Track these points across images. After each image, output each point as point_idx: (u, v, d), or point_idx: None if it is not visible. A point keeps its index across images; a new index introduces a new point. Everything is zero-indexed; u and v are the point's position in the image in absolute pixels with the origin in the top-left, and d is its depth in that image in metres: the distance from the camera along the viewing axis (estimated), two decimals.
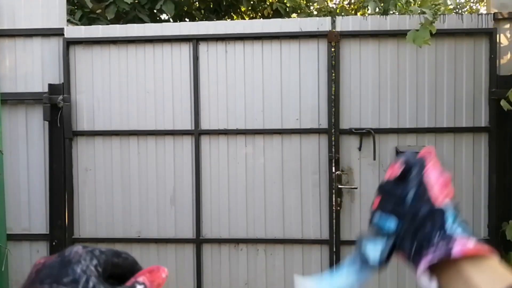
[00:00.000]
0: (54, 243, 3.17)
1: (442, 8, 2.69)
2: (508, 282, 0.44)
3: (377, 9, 3.60)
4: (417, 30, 2.64)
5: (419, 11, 2.77)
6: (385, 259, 0.55)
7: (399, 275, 3.07)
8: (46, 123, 3.16)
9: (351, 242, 3.08)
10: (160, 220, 3.17)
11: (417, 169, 0.55)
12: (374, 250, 0.55)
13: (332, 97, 3.08)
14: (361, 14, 7.46)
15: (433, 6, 2.70)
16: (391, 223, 0.55)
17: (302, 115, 3.10)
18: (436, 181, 0.53)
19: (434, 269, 0.49)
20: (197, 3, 5.88)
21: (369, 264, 0.55)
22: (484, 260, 0.47)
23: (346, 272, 0.57)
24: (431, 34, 2.64)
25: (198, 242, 3.14)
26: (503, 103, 2.75)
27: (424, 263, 0.48)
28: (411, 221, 0.52)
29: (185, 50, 3.15)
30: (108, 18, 4.63)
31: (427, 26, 2.61)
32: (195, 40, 3.12)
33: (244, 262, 3.15)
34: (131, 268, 0.43)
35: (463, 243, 0.47)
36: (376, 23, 3.05)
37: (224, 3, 5.90)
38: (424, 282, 0.49)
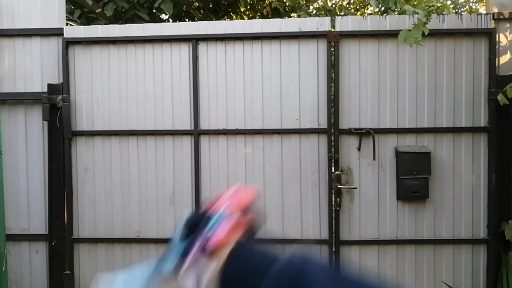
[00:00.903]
0: (53, 243, 3.17)
1: (439, 5, 2.68)
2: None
3: (379, 5, 3.59)
4: (410, 30, 2.64)
5: (412, 11, 2.77)
6: (173, 271, 0.70)
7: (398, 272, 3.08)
8: (46, 123, 3.16)
9: (350, 242, 3.09)
10: (160, 220, 3.17)
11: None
12: (169, 263, 0.71)
13: (332, 97, 3.08)
14: (361, 14, 7.46)
15: (427, 7, 2.70)
16: (182, 245, 0.72)
17: (302, 115, 3.10)
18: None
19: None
20: (196, 2, 5.87)
21: (161, 273, 0.70)
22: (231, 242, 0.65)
23: (139, 275, 0.71)
24: (427, 34, 2.64)
25: None
26: (500, 97, 2.75)
27: (184, 268, 0.66)
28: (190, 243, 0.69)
29: (185, 50, 3.14)
30: (107, 16, 4.62)
31: (419, 27, 2.61)
32: (194, 40, 3.11)
33: None
34: None
35: (215, 236, 0.65)
36: (376, 23, 3.05)
37: (223, 3, 5.89)
38: (186, 283, 0.65)
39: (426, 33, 2.63)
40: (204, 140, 3.15)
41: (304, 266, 0.54)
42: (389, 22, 3.05)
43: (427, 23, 2.64)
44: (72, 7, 5.07)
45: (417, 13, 2.69)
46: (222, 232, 0.64)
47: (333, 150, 3.07)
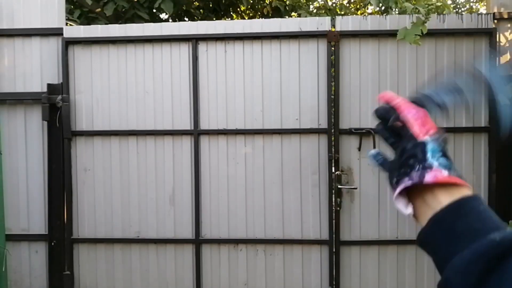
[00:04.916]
0: (53, 244, 3.17)
1: (439, 4, 2.68)
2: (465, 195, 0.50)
3: (380, 4, 3.58)
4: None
5: (412, 8, 2.76)
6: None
7: (399, 274, 3.07)
8: (45, 123, 3.15)
9: (350, 242, 3.08)
10: (160, 220, 3.17)
11: (393, 117, 0.60)
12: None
13: (332, 97, 3.08)
14: (361, 14, 7.45)
15: (427, 5, 2.69)
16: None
17: (302, 115, 3.09)
18: (415, 119, 0.58)
19: (411, 196, 0.55)
20: (196, 2, 5.86)
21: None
22: (456, 188, 0.52)
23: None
24: (428, 34, 2.63)
25: (198, 242, 3.14)
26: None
27: (399, 189, 0.54)
28: (399, 157, 0.57)
29: (185, 50, 3.14)
30: (107, 15, 4.62)
31: (418, 25, 2.61)
32: (194, 40, 3.11)
33: (244, 262, 3.15)
34: None
35: (437, 173, 0.52)
36: (376, 23, 3.05)
37: (224, 2, 5.89)
38: (400, 207, 0.55)
39: (425, 31, 2.62)
40: (204, 140, 3.15)
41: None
42: (389, 22, 3.04)
43: (426, 22, 2.64)
44: (72, 7, 5.06)
45: (418, 10, 2.68)
46: (445, 175, 0.52)
47: (333, 150, 3.06)
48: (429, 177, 0.52)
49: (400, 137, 0.59)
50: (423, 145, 0.55)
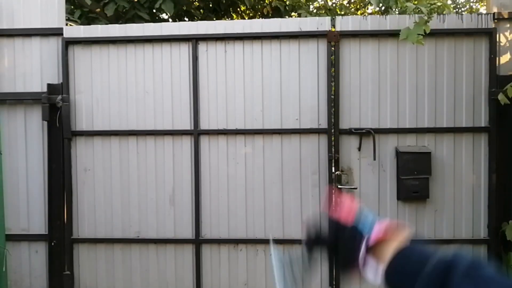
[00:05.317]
0: (53, 244, 3.17)
1: (439, 4, 2.67)
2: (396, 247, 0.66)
3: (380, 4, 3.58)
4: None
5: (414, 8, 2.76)
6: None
7: None
8: (45, 123, 3.15)
9: None
10: (160, 220, 3.17)
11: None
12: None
13: (332, 97, 3.08)
14: (361, 14, 7.45)
15: (429, 5, 2.69)
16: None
17: (302, 115, 3.09)
18: (340, 213, 0.77)
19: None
20: (196, 2, 5.86)
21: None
22: (391, 241, 0.68)
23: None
24: (428, 34, 2.63)
25: (198, 242, 3.14)
26: (500, 96, 2.74)
27: (360, 259, 0.69)
28: (343, 244, 0.73)
29: (185, 50, 3.14)
30: (107, 15, 4.62)
31: (421, 25, 2.60)
32: (194, 40, 3.11)
33: (244, 262, 3.14)
34: None
35: (374, 234, 0.69)
36: (376, 23, 3.04)
37: (224, 2, 5.89)
38: (371, 271, 0.69)
39: (428, 31, 2.62)
40: (204, 140, 3.15)
41: (454, 265, 0.55)
42: (389, 22, 3.04)
43: (428, 21, 2.63)
44: (72, 7, 5.06)
45: (420, 10, 2.68)
46: (380, 231, 0.69)
47: (333, 150, 3.06)
48: (371, 240, 0.69)
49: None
50: (354, 227, 0.73)
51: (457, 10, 8.99)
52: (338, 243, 0.74)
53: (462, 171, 3.04)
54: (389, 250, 0.65)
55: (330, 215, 0.78)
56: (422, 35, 2.60)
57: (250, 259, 3.14)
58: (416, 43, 2.61)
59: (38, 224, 3.20)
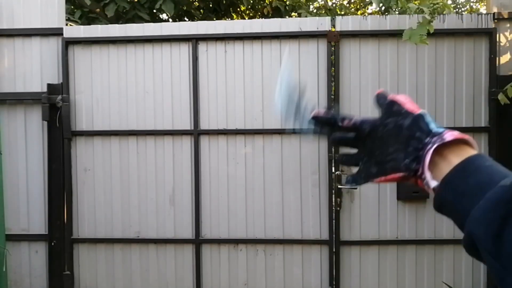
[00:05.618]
0: (53, 244, 3.17)
1: (441, 3, 2.67)
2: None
3: (380, 4, 3.58)
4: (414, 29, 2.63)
5: (416, 8, 2.75)
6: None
7: (399, 277, 3.07)
8: (45, 123, 3.15)
9: (351, 243, 3.08)
10: (160, 220, 3.17)
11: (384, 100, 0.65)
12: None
13: (332, 97, 3.08)
14: (361, 14, 7.45)
15: (432, 5, 2.69)
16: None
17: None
18: (405, 100, 0.63)
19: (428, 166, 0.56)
20: (196, 2, 5.86)
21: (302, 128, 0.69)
22: (464, 149, 0.54)
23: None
24: (429, 34, 2.63)
25: (198, 242, 3.14)
26: (500, 96, 2.74)
27: (428, 156, 0.54)
28: (396, 135, 0.60)
29: (185, 50, 3.14)
30: (108, 16, 4.62)
31: (424, 25, 2.60)
32: (194, 40, 3.11)
33: (244, 262, 3.14)
34: None
35: (451, 133, 0.55)
36: (376, 23, 3.04)
37: (224, 2, 5.89)
38: (428, 180, 0.55)
39: (432, 31, 2.61)
40: (204, 140, 3.15)
41: None
42: (389, 22, 3.04)
43: (432, 21, 2.63)
44: (72, 7, 5.06)
45: (423, 11, 2.68)
46: (455, 133, 0.55)
47: (333, 150, 3.06)
48: (448, 136, 0.54)
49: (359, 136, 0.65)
50: (422, 117, 0.59)
51: (457, 10, 8.99)
52: (389, 131, 0.60)
53: None
54: (454, 159, 0.53)
55: (391, 96, 0.63)
56: (425, 35, 2.60)
57: (250, 259, 3.14)
58: (420, 43, 2.60)
59: (38, 224, 3.21)
